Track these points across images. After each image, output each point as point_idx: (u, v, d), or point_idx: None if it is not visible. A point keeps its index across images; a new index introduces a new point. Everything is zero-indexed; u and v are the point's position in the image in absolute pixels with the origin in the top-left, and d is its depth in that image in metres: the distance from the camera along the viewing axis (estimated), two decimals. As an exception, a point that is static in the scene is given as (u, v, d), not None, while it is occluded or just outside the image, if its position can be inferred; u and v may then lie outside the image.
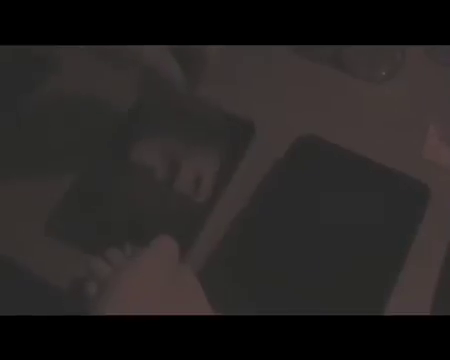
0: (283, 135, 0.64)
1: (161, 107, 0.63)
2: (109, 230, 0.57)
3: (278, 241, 0.56)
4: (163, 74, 0.55)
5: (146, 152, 0.62)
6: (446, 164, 0.62)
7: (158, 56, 0.54)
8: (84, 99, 0.68)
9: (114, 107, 0.67)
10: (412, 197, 0.59)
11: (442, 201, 0.59)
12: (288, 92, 0.69)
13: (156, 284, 0.43)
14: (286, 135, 0.63)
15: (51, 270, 0.54)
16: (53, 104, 0.68)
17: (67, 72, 0.70)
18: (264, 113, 0.66)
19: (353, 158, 0.61)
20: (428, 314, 0.52)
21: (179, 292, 0.44)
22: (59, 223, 0.58)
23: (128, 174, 0.60)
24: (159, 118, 0.63)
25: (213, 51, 0.55)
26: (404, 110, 0.68)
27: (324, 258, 0.55)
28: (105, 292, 0.43)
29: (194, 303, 0.45)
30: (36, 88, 0.69)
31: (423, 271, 0.55)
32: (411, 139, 0.65)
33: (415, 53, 0.71)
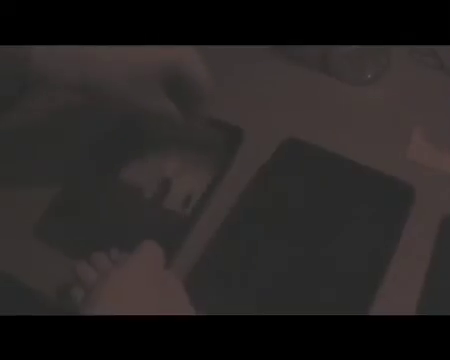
0: (270, 139, 0.64)
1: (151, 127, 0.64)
2: (95, 236, 0.57)
3: (264, 245, 0.57)
4: (161, 115, 0.57)
5: (136, 171, 0.62)
6: (430, 164, 0.63)
7: (155, 100, 0.55)
8: (75, 111, 0.68)
9: (104, 119, 0.67)
10: (397, 197, 0.59)
11: (426, 201, 0.59)
12: (274, 96, 0.70)
13: (141, 289, 0.44)
14: (273, 139, 0.64)
15: (37, 275, 0.54)
16: (41, 114, 0.68)
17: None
18: (251, 118, 0.67)
19: (339, 160, 0.62)
20: (414, 314, 0.52)
21: (163, 297, 0.45)
22: (46, 228, 0.59)
23: (116, 192, 0.61)
24: (149, 136, 0.64)
25: (209, 87, 0.56)
26: (389, 112, 0.68)
27: (310, 260, 0.56)
28: (91, 297, 0.43)
29: (178, 309, 0.45)
30: (23, 96, 0.69)
31: (409, 271, 0.55)
32: (396, 140, 0.65)
33: (400, 56, 0.72)
